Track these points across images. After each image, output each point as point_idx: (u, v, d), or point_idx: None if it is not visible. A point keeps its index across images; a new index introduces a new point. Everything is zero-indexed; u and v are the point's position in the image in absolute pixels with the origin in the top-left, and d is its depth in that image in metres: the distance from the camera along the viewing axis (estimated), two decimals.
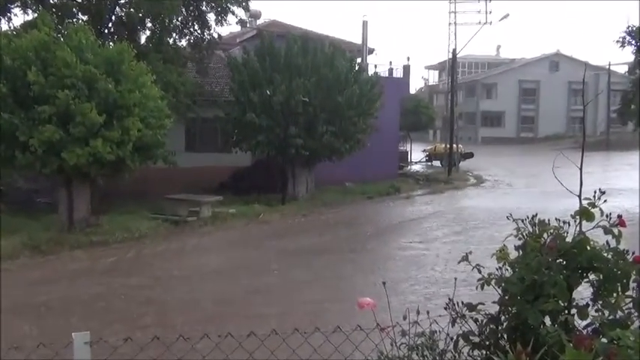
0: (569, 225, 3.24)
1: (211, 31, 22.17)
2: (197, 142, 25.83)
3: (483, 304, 3.31)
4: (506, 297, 3.16)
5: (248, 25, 29.84)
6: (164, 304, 10.42)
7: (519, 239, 3.29)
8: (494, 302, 3.24)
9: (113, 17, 20.82)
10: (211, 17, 21.92)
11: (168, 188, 20.84)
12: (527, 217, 3.31)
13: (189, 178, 23.14)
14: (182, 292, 11.19)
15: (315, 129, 22.39)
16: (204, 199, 19.46)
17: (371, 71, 27.82)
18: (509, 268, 3.23)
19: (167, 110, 16.55)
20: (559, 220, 3.26)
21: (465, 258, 3.43)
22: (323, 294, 10.94)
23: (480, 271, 3.32)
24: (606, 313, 2.99)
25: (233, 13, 21.90)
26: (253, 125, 22.00)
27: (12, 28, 19.01)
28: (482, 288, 3.28)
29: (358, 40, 33.74)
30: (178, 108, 20.31)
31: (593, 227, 3.14)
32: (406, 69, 37.47)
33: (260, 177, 24.58)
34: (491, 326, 3.23)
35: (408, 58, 71.31)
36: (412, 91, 64.68)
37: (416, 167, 41.44)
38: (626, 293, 3.01)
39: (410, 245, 15.61)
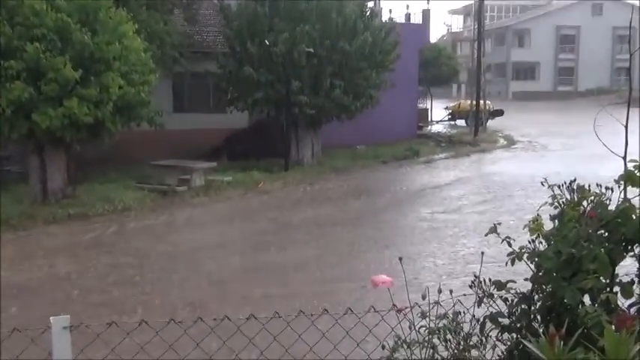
0: (612, 191, 3.23)
1: None
2: (186, 100, 25.80)
3: (514, 281, 3.33)
4: (540, 273, 3.17)
5: None
6: (152, 284, 10.51)
7: (555, 208, 3.30)
8: (526, 280, 3.26)
9: None
10: None
11: (155, 154, 20.89)
12: (565, 183, 3.31)
13: (178, 142, 23.17)
14: (172, 271, 11.28)
15: (321, 84, 22.31)
16: (195, 165, 19.51)
17: (385, 17, 27.55)
18: (543, 241, 3.24)
19: (152, 64, 16.47)
20: (600, 186, 3.25)
21: (494, 230, 3.44)
22: (332, 272, 11.01)
23: (510, 245, 3.33)
24: None
25: None
26: (251, 80, 21.92)
27: None
28: (512, 264, 3.30)
29: None
30: (164, 61, 20.24)
31: None
32: (426, 14, 37.18)
33: (259, 140, 24.58)
34: (522, 306, 3.25)
35: (428, 2, 70.60)
36: (433, 39, 64.25)
37: (437, 127, 41.36)
38: None
39: (430, 216, 15.65)
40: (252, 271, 11.28)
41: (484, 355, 3.36)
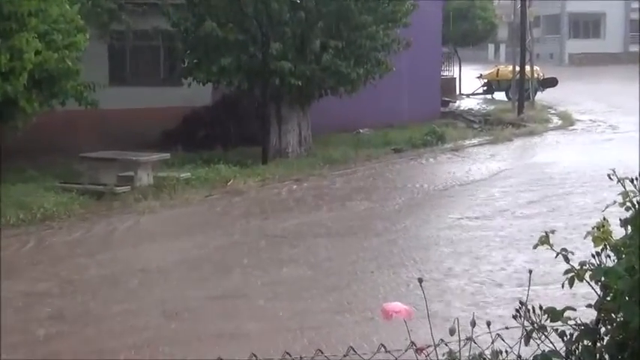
0: None
1: None
2: (128, 70, 25.80)
3: (573, 309, 3.35)
4: (608, 298, 3.19)
5: None
6: (83, 319, 10.50)
7: (627, 210, 3.31)
8: (589, 306, 3.27)
9: None
10: None
11: (86, 143, 20.83)
12: None
13: (118, 127, 23.14)
14: (109, 302, 11.26)
15: (310, 46, 22.27)
16: (141, 158, 19.47)
17: None
18: (612, 254, 3.25)
19: (80, 21, 16.44)
20: None
21: (545, 240, 3.45)
22: (328, 300, 11.01)
23: (567, 260, 3.34)
24: None
25: None
26: (215, 41, 21.87)
27: None
28: (570, 285, 3.31)
29: None
30: (98, 17, 20.22)
31: None
32: None
33: (227, 122, 24.56)
34: (584, 342, 3.27)
35: None
36: None
37: (469, 102, 41.39)
38: None
39: (460, 223, 15.66)
40: (220, 299, 11.27)
41: None
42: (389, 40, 23.71)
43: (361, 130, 27.74)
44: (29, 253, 14.30)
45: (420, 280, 3.64)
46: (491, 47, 72.85)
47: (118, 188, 18.50)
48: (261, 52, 22.00)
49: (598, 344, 3.26)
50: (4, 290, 11.75)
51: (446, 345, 3.30)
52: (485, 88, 44.33)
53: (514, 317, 3.37)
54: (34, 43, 15.07)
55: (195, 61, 23.01)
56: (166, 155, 20.33)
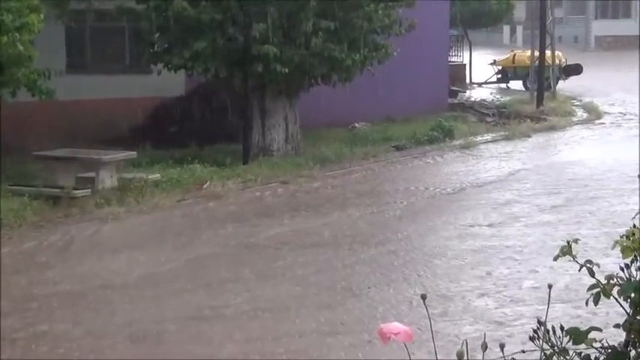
0: None
1: None
2: (89, 55, 25.78)
3: (599, 329, 3.35)
4: (639, 316, 3.19)
5: None
6: (35, 341, 10.48)
7: None
8: (617, 327, 3.28)
9: None
10: None
11: (40, 139, 20.80)
12: None
13: (77, 120, 23.12)
14: (68, 322, 11.25)
15: (298, 27, 22.25)
16: (103, 157, 19.42)
17: None
18: None
19: None
20: None
21: (567, 250, 3.45)
22: (318, 319, 11.01)
23: (592, 273, 3.35)
24: None
25: None
26: (188, 22, 21.84)
27: None
28: (595, 302, 3.31)
29: None
30: None
31: None
32: None
33: (202, 116, 24.55)
34: None
35: None
36: None
37: (481, 92, 41.44)
38: None
39: (471, 231, 15.71)
40: (193, 320, 11.26)
41: None
42: (389, 22, 23.71)
43: (357, 125, 27.71)
44: None
45: (424, 297, 3.63)
46: (506, 29, 73.02)
47: (77, 192, 18.43)
48: (241, 35, 21.96)
49: None
50: None
51: None
52: (499, 76, 44.34)
53: (531, 339, 3.38)
54: None
55: (165, 45, 22.97)
56: (133, 154, 20.25)
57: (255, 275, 13.26)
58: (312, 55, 22.52)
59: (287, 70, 22.32)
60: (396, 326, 3.05)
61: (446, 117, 29.08)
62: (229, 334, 10.58)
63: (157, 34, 23.04)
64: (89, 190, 18.58)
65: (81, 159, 19.34)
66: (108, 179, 19.02)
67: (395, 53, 24.24)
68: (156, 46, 23.25)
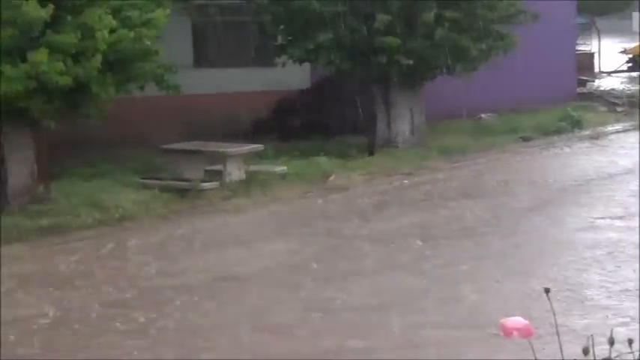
0: None
1: None
2: (214, 49, 26.03)
3: None
4: None
5: None
6: (163, 334, 10.63)
7: None
8: None
9: None
10: None
11: (167, 133, 21.11)
12: None
13: (203, 114, 23.39)
14: (195, 313, 11.39)
15: (422, 18, 22.13)
16: (230, 150, 19.62)
17: None
18: None
19: None
20: None
21: None
22: (444, 313, 10.95)
23: None
24: None
25: None
26: (311, 14, 21.91)
27: None
28: None
29: None
30: None
31: None
32: None
33: (327, 108, 24.59)
34: None
35: None
36: None
37: (610, 82, 40.65)
38: None
39: (600, 224, 15.38)
40: (320, 312, 11.28)
41: None
42: (514, 11, 23.43)
43: (483, 116, 27.46)
44: (105, 257, 14.56)
45: (547, 291, 3.57)
46: (635, 16, 71.37)
47: (205, 184, 18.65)
48: (364, 26, 21.94)
49: None
50: (74, 299, 12.02)
51: None
52: (630, 64, 43.46)
53: None
54: (108, 20, 15.26)
55: (289, 37, 23.10)
56: (259, 146, 20.33)
57: (379, 267, 13.24)
58: (435, 46, 22.39)
59: (411, 62, 22.22)
60: (518, 321, 3.00)
61: (574, 107, 28.55)
62: (354, 326, 10.58)
63: (281, 27, 23.18)
64: (216, 182, 18.78)
65: (208, 152, 19.55)
66: (235, 172, 19.18)
67: (519, 42, 23.95)
68: (279, 38, 23.40)
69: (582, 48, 40.78)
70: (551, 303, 3.48)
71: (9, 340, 10.36)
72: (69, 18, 15.18)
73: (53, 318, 11.31)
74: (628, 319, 10.24)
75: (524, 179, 20.21)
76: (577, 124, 26.58)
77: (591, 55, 42.12)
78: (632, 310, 10.65)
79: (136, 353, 9.95)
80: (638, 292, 11.32)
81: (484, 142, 24.35)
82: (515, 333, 2.94)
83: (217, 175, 19.02)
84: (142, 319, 11.16)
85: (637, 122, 27.95)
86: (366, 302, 11.56)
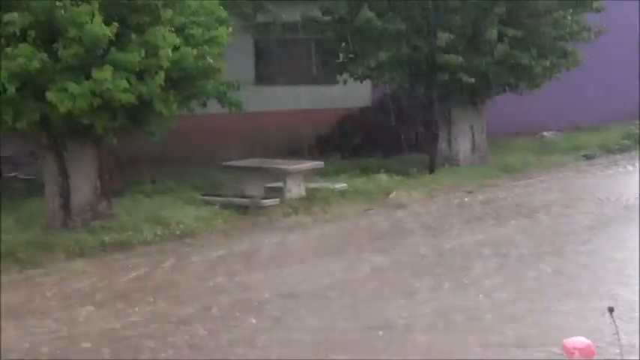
0: None
1: None
2: (276, 67, 26.10)
3: None
4: None
5: None
6: (221, 350, 10.64)
7: None
8: None
9: None
10: None
11: (229, 150, 21.19)
12: None
13: (265, 131, 23.47)
14: (254, 330, 11.39)
15: (484, 36, 22.03)
16: (291, 167, 19.64)
17: None
18: None
19: (222, 12, 16.70)
20: None
21: None
22: (504, 333, 10.83)
23: None
24: None
25: None
26: (373, 32, 21.91)
27: None
28: None
29: None
30: (241, 7, 20.52)
31: None
32: None
33: (388, 126, 24.54)
34: None
35: None
36: None
37: None
38: None
39: None
40: (379, 330, 11.20)
41: None
42: (578, 28, 23.24)
43: (546, 134, 27.28)
44: (166, 273, 14.64)
45: (611, 310, 3.51)
46: None
47: (265, 201, 18.71)
48: (426, 44, 21.90)
49: None
50: (138, 315, 12.07)
51: None
52: None
53: None
54: (171, 38, 15.34)
55: (350, 55, 23.10)
56: (320, 164, 20.40)
57: (440, 285, 13.15)
58: (497, 63, 22.27)
59: (473, 80, 22.13)
60: (580, 341, 2.95)
61: (638, 125, 28.27)
62: (415, 345, 10.51)
63: (342, 45, 23.20)
64: (277, 199, 18.82)
65: (269, 169, 19.61)
66: (295, 189, 19.20)
67: (584, 61, 23.74)
68: (341, 56, 23.42)
69: None
70: (615, 322, 3.41)
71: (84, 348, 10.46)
72: (133, 36, 15.28)
73: (115, 332, 11.37)
74: None
75: (587, 197, 20.04)
76: None
77: None
78: None
79: None
80: None
81: (546, 160, 24.25)
82: (576, 353, 2.90)
83: (278, 192, 19.07)
84: (203, 334, 11.21)
85: None
86: (427, 320, 11.48)
